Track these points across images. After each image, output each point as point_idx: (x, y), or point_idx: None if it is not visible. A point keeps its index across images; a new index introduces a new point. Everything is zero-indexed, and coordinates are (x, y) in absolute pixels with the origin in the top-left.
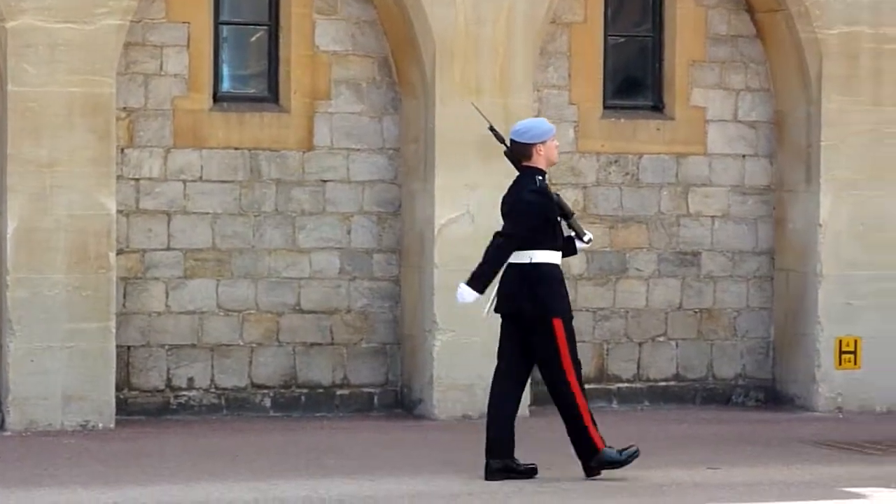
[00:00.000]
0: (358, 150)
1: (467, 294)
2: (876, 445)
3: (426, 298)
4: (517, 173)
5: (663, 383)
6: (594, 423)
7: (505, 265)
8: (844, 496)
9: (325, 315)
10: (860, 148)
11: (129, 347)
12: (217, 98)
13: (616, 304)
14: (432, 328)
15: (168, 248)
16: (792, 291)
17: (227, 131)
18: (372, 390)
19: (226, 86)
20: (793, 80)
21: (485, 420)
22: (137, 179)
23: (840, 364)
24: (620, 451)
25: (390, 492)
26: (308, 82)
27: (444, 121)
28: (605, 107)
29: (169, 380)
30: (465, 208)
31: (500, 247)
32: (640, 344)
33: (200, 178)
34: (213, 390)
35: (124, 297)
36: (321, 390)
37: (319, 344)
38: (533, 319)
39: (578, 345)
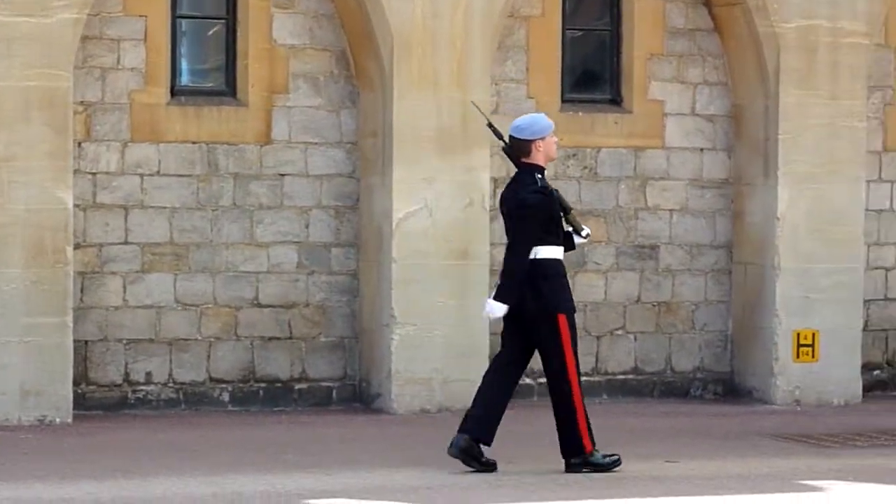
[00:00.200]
0: (316, 143)
1: (497, 308)
2: (833, 438)
3: (384, 292)
4: (514, 171)
5: (622, 377)
6: (588, 424)
7: (505, 262)
8: (802, 489)
9: (284, 309)
10: (818, 141)
11: (86, 342)
12: (174, 92)
13: (575, 298)
14: (390, 322)
15: (125, 243)
16: (750, 285)
17: (185, 125)
18: (330, 384)
19: (183, 80)
20: (750, 74)
21: (443, 414)
22: (94, 173)
23: (798, 357)
24: (604, 456)
25: (348, 486)
26: (266, 76)
27: (402, 115)
28: (563, 100)
29: (127, 374)
30: (423, 202)
31: (518, 254)
32: (598, 337)
33: (158, 172)
34: (170, 385)
35: (82, 291)
36: (279, 384)
37: (278, 338)
38: (536, 316)
39: None
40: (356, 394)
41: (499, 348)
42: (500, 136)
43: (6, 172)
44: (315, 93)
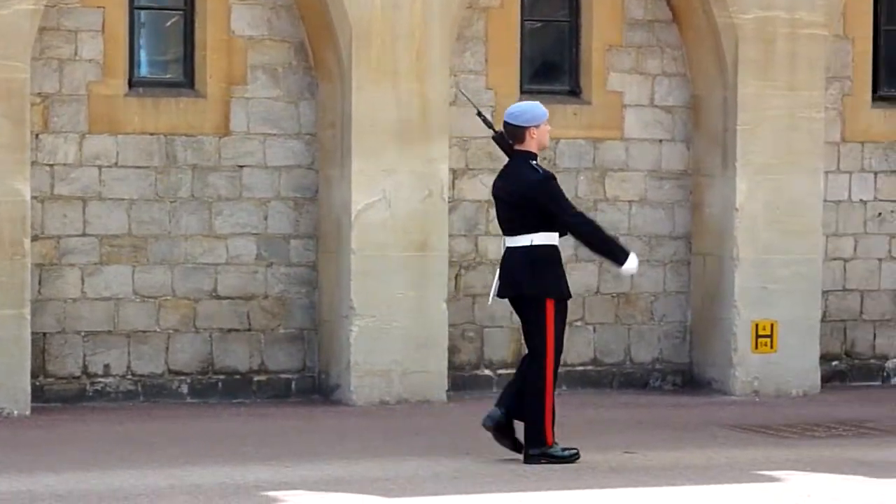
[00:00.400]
0: (274, 135)
1: (634, 262)
2: (791, 429)
3: (343, 284)
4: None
5: (581, 368)
6: (553, 416)
7: (505, 249)
8: (760, 479)
9: (242, 301)
10: (776, 132)
11: (44, 334)
12: (133, 83)
13: None
14: (349, 314)
15: (83, 235)
16: (709, 276)
17: (143, 117)
18: (289, 376)
19: (141, 71)
20: (709, 65)
21: (402, 406)
22: (52, 165)
23: (756, 348)
24: (563, 450)
25: (306, 478)
26: (224, 67)
27: (361, 106)
28: (522, 91)
29: (85, 366)
30: (381, 194)
31: (591, 224)
32: None
33: (116, 163)
34: (129, 377)
35: (39, 283)
36: (238, 376)
37: (236, 330)
38: (528, 298)
39: (498, 329)
40: (315, 385)
41: (457, 340)
42: (489, 125)
43: None
44: (274, 84)
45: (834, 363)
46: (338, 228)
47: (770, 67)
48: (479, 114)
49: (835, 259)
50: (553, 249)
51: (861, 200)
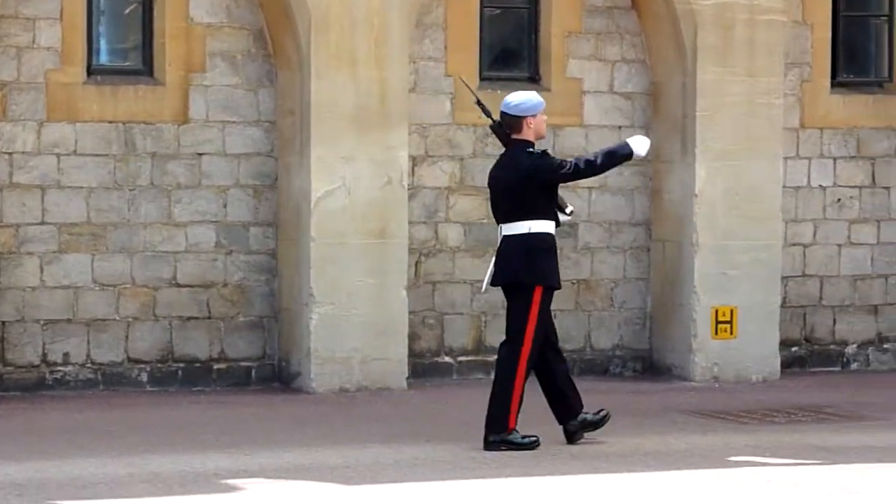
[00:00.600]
0: (233, 122)
1: (638, 140)
2: (751, 414)
3: (303, 271)
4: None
5: None
6: (520, 404)
7: (501, 238)
8: (720, 465)
9: (202, 289)
10: (735, 119)
11: (3, 323)
12: (91, 71)
13: None
14: (309, 301)
15: (42, 223)
16: (668, 262)
17: (102, 104)
18: (249, 364)
19: (100, 59)
20: (668, 52)
21: (362, 393)
22: (10, 153)
23: (716, 334)
24: (523, 437)
25: (265, 466)
26: (183, 55)
27: (320, 93)
28: (482, 78)
29: (44, 355)
30: (341, 181)
31: (587, 163)
32: None
33: (75, 151)
34: (88, 365)
35: None
36: (198, 364)
37: (196, 318)
38: (522, 286)
39: (458, 316)
40: (275, 373)
41: (417, 327)
42: (488, 114)
43: None
44: (232, 71)
45: (793, 349)
46: (297, 216)
47: (729, 54)
48: (478, 102)
49: (794, 245)
50: (549, 237)
51: (820, 186)
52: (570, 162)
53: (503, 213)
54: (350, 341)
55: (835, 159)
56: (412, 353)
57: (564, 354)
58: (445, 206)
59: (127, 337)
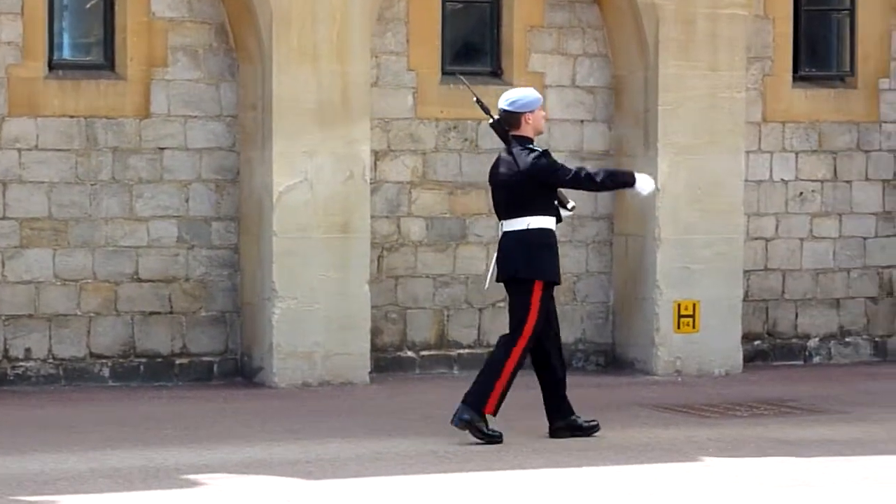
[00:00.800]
0: (195, 117)
1: (647, 181)
2: (713, 408)
3: (265, 266)
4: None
5: None
6: (503, 392)
7: (501, 234)
8: (682, 459)
9: (164, 284)
10: (697, 113)
11: None
12: (52, 66)
13: (456, 271)
14: (271, 296)
15: (4, 218)
16: (631, 256)
17: (63, 99)
18: (211, 359)
19: (62, 53)
20: (630, 46)
21: (325, 388)
22: None
23: (679, 328)
24: (490, 429)
25: (227, 460)
26: (144, 49)
27: (282, 87)
28: (444, 73)
29: (6, 350)
30: (303, 175)
31: (588, 175)
32: (480, 310)
33: (36, 146)
34: (50, 361)
35: None
36: (160, 359)
37: (158, 313)
38: (521, 280)
39: (420, 311)
40: (238, 368)
41: (380, 322)
42: (487, 112)
43: None
44: (194, 66)
45: (756, 343)
46: (259, 210)
47: (691, 48)
48: (478, 101)
49: (756, 239)
50: (548, 233)
51: (782, 180)
52: (572, 170)
53: (503, 209)
54: (312, 336)
55: (797, 153)
56: (374, 348)
57: None
58: (408, 200)
59: (89, 332)
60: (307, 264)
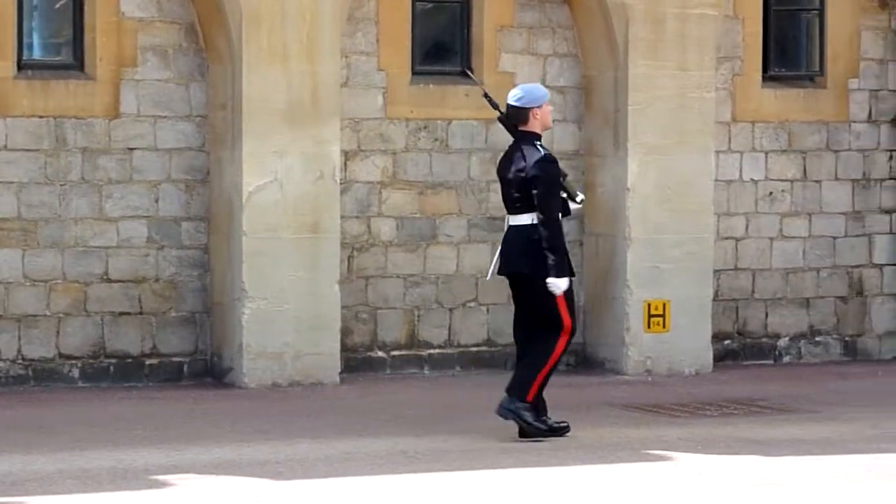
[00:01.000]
0: (165, 117)
1: (563, 283)
2: (683, 408)
3: (235, 266)
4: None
5: (475, 349)
6: (545, 380)
7: (507, 227)
8: (651, 458)
9: (134, 284)
10: (666, 112)
11: None
12: (21, 66)
13: (426, 271)
14: (241, 296)
15: None
16: (601, 255)
17: (32, 99)
18: (181, 359)
19: (31, 53)
20: (600, 45)
21: (294, 388)
22: None
23: (649, 327)
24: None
25: (196, 461)
26: (114, 49)
27: (252, 87)
28: (414, 73)
29: None
30: (273, 175)
31: (558, 229)
32: (450, 310)
33: (5, 146)
34: (19, 361)
35: None
36: (130, 360)
37: (128, 313)
38: (533, 278)
39: (391, 311)
40: (207, 368)
41: (350, 322)
42: (496, 106)
43: None
44: (164, 66)
45: (726, 342)
46: (229, 210)
47: (660, 47)
48: (486, 95)
49: (726, 238)
50: None
51: (752, 180)
52: (557, 205)
53: (510, 203)
54: (282, 336)
55: (766, 153)
56: (345, 348)
57: (497, 349)
58: (378, 200)
59: (58, 332)
60: (277, 264)
